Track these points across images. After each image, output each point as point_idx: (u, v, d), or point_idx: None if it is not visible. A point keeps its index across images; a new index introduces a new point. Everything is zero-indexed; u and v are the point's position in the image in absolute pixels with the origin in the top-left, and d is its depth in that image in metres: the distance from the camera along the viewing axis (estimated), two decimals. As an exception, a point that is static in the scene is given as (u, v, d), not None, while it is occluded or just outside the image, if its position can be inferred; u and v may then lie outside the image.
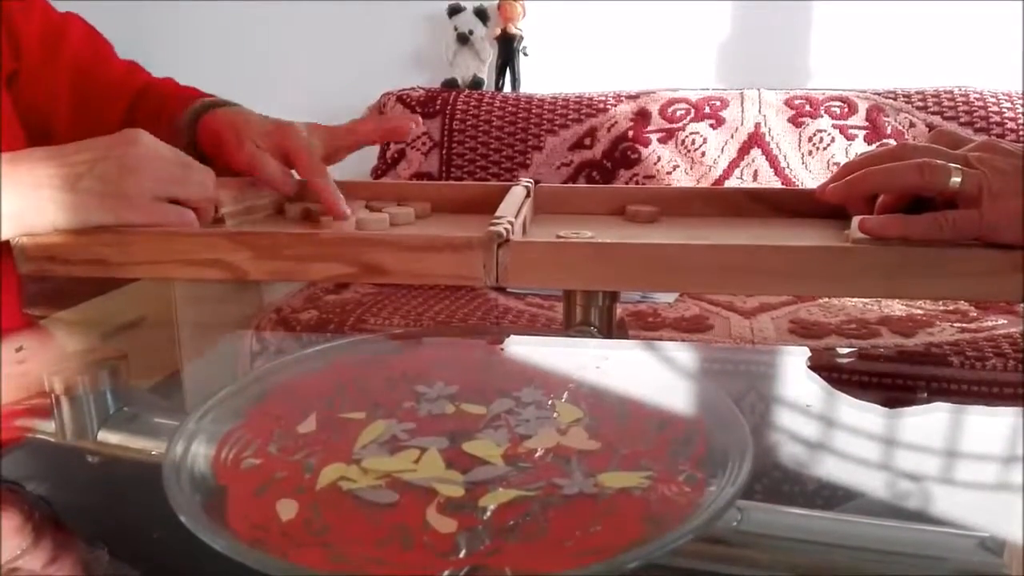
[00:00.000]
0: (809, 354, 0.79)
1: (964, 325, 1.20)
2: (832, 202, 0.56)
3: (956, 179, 0.49)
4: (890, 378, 0.61)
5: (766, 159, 1.57)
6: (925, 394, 0.55)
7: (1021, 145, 0.50)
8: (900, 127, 1.53)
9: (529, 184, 0.66)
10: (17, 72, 0.68)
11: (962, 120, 1.51)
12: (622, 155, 1.61)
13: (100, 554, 0.40)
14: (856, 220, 0.52)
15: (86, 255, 0.55)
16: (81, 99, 0.71)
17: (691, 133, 1.60)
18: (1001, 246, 0.48)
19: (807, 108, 1.59)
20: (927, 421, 0.53)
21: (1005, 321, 1.21)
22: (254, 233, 0.56)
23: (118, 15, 2.04)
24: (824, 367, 0.61)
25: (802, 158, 1.55)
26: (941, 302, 1.29)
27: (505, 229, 0.52)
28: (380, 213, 0.62)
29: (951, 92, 1.55)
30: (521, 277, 0.52)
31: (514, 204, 0.59)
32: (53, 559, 0.39)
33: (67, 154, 0.55)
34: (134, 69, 0.77)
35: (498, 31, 1.84)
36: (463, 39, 1.85)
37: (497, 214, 0.55)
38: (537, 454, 0.41)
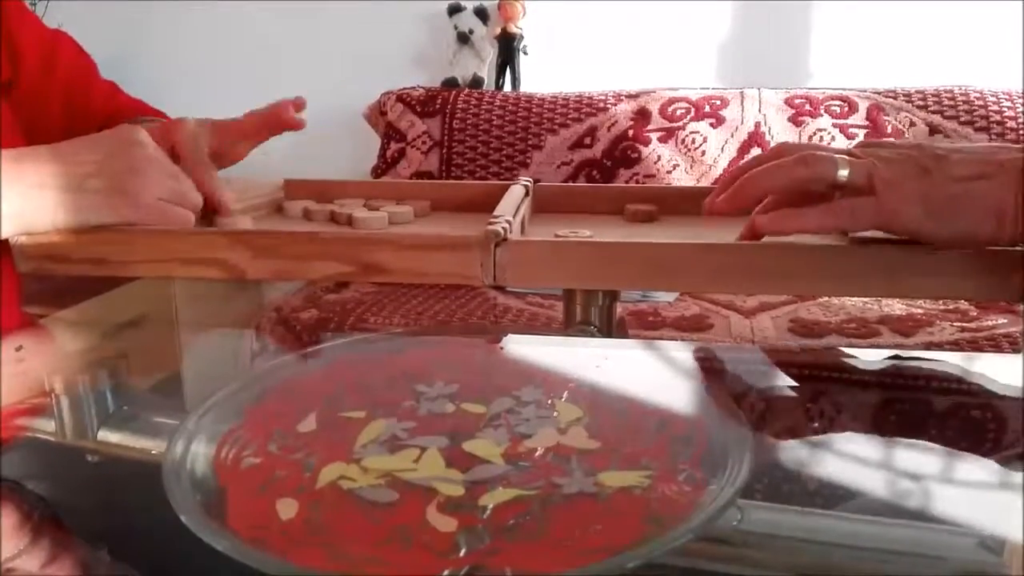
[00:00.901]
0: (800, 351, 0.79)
1: (964, 324, 1.20)
2: (720, 214, 0.52)
3: (843, 171, 0.47)
4: (890, 378, 0.61)
5: (766, 158, 1.57)
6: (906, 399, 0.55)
7: (902, 140, 0.50)
8: (900, 126, 1.53)
9: (528, 183, 0.66)
10: (13, 83, 0.68)
11: (962, 119, 1.51)
12: (622, 154, 1.61)
13: (100, 554, 0.40)
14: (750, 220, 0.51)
15: (85, 254, 0.55)
16: (71, 116, 0.72)
17: (691, 132, 1.60)
18: (907, 235, 0.47)
19: (807, 107, 1.59)
20: (927, 420, 0.53)
21: (1005, 320, 1.21)
22: (253, 232, 0.56)
23: (118, 15, 2.04)
24: (823, 367, 0.61)
25: (802, 157, 1.55)
26: (941, 301, 1.29)
27: (503, 228, 0.52)
28: (379, 212, 0.62)
29: (951, 91, 1.55)
30: (519, 276, 0.52)
31: (513, 203, 0.59)
32: (52, 559, 0.39)
33: (71, 153, 0.55)
34: (113, 91, 0.77)
35: (498, 30, 1.84)
36: (463, 38, 1.85)
37: (495, 213, 0.55)
38: (537, 453, 0.41)
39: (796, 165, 0.49)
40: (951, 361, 0.67)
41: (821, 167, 0.48)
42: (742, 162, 0.57)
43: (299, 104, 0.66)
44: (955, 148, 0.48)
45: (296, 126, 0.66)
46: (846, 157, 0.48)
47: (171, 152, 0.63)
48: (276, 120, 0.66)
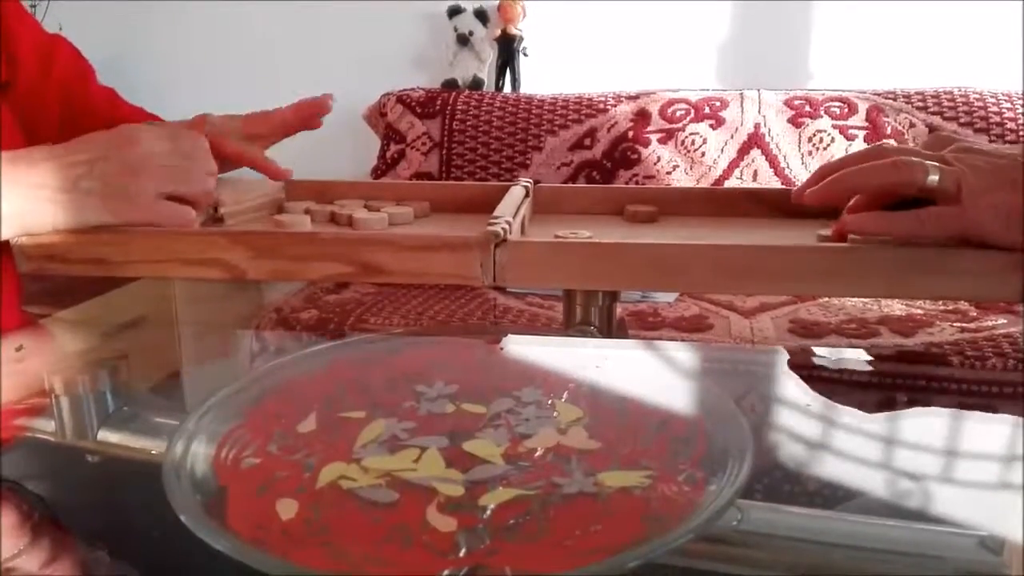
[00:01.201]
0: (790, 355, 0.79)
1: (964, 325, 1.20)
2: (810, 205, 0.54)
3: (933, 176, 0.48)
4: (890, 378, 0.61)
5: (766, 159, 1.57)
6: (905, 399, 0.55)
7: (998, 146, 0.50)
8: (900, 127, 1.53)
9: (528, 184, 0.66)
10: (10, 85, 0.68)
11: (962, 120, 1.51)
12: (622, 155, 1.61)
13: (100, 554, 0.40)
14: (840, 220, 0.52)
15: (85, 254, 0.55)
16: (68, 121, 0.72)
17: (691, 133, 1.60)
18: (987, 246, 0.47)
19: (807, 108, 1.59)
20: (927, 420, 0.53)
21: (1005, 321, 1.21)
22: (253, 233, 0.56)
23: (118, 15, 2.04)
24: (824, 367, 0.61)
25: (802, 158, 1.55)
26: (941, 302, 1.29)
27: (503, 229, 0.52)
28: (379, 213, 0.62)
29: (951, 92, 1.55)
30: (518, 277, 0.52)
31: (512, 204, 0.59)
32: (52, 559, 0.39)
33: (67, 153, 0.55)
34: (111, 97, 0.77)
35: (498, 32, 1.84)
36: (463, 40, 1.85)
37: (495, 214, 0.55)
38: (537, 453, 0.41)
39: (888, 170, 0.50)
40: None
41: (912, 174, 0.49)
42: (839, 157, 0.58)
43: (328, 101, 0.69)
44: None
45: (317, 126, 0.68)
46: (937, 164, 0.48)
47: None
48: (309, 111, 0.69)
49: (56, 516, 0.42)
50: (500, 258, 0.51)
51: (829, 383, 0.57)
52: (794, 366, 0.61)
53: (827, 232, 0.54)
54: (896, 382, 0.60)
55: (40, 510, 0.42)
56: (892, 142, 0.55)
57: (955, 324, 1.20)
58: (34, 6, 1.93)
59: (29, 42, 0.70)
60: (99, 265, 0.55)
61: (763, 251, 0.50)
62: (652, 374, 0.55)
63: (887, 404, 0.56)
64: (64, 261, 0.55)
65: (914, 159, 0.49)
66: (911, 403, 0.56)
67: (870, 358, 0.74)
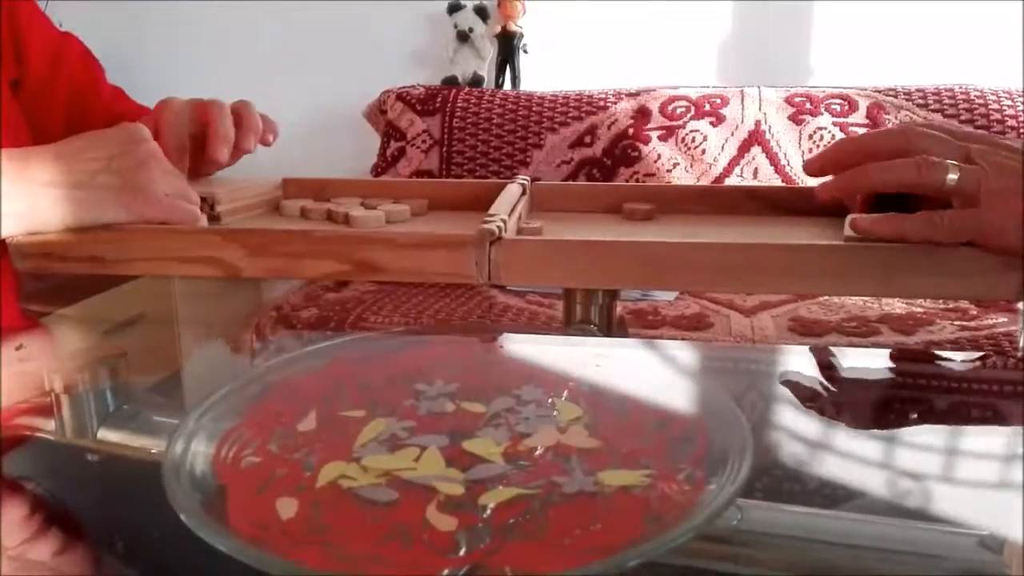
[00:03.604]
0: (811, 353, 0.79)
1: (964, 323, 1.20)
2: (827, 198, 0.55)
3: (953, 176, 0.47)
4: (889, 377, 0.61)
5: (766, 157, 1.57)
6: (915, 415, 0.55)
7: (1021, 142, 0.49)
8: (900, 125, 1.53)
9: (525, 182, 0.66)
10: (20, 82, 0.68)
11: (963, 118, 1.50)
12: (622, 153, 1.61)
13: (100, 553, 0.40)
14: (849, 219, 0.52)
15: (82, 252, 0.55)
16: (75, 119, 0.72)
17: (691, 131, 1.60)
18: (997, 251, 0.47)
19: (807, 106, 1.58)
20: (927, 419, 0.53)
21: (1005, 319, 1.21)
22: (248, 230, 0.56)
23: (118, 15, 2.04)
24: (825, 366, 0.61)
25: (802, 156, 1.55)
26: (941, 300, 1.29)
27: (498, 227, 0.51)
28: (376, 211, 0.61)
29: (951, 89, 1.55)
30: (513, 275, 0.52)
31: (508, 202, 0.59)
32: (61, 550, 0.39)
33: (79, 151, 0.55)
34: (119, 97, 0.77)
35: (498, 29, 1.84)
36: (463, 37, 1.84)
37: (490, 212, 0.55)
38: (537, 452, 0.41)
39: (908, 169, 0.49)
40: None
41: (932, 175, 0.48)
42: (856, 137, 0.57)
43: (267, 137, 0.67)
44: None
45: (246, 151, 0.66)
46: (958, 164, 0.48)
47: (155, 132, 0.62)
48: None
49: (67, 511, 0.42)
50: (495, 256, 0.51)
51: (829, 382, 0.57)
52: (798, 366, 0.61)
53: (852, 233, 0.53)
54: (896, 381, 0.60)
55: (50, 505, 0.42)
56: (915, 125, 0.54)
57: (955, 323, 1.20)
58: (34, 4, 1.93)
59: (40, 40, 0.70)
60: (95, 263, 0.55)
61: (761, 249, 0.50)
62: (652, 373, 0.55)
63: (887, 404, 0.56)
64: (61, 259, 0.55)
65: (936, 160, 0.48)
66: (911, 403, 0.56)
67: (870, 357, 0.74)
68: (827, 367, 0.60)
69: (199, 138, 0.64)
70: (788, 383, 0.56)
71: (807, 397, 0.53)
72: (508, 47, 1.85)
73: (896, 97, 1.56)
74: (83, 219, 0.55)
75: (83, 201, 0.54)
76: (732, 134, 1.59)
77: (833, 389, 0.56)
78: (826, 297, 1.31)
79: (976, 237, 0.47)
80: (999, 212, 0.46)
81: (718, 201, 0.66)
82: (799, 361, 0.69)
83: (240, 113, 0.65)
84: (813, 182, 0.57)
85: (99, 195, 0.54)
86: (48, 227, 0.54)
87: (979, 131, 0.53)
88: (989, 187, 0.47)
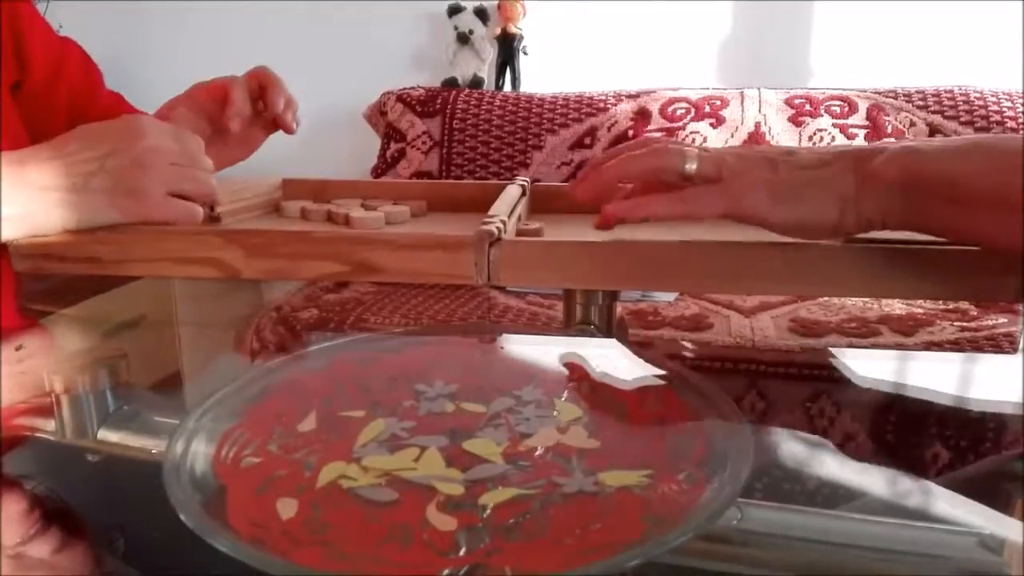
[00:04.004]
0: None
1: (964, 324, 1.20)
2: (583, 201, 0.54)
3: (692, 164, 0.49)
4: (889, 377, 0.60)
5: (766, 158, 1.57)
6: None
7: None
8: (901, 126, 1.53)
9: (524, 183, 0.66)
10: (20, 85, 0.68)
11: (963, 119, 1.50)
12: (622, 154, 1.61)
13: (100, 553, 0.40)
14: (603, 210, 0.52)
15: (81, 253, 0.55)
16: (74, 125, 0.71)
17: (691, 132, 1.60)
18: (755, 223, 0.48)
19: (807, 107, 1.58)
20: (927, 419, 0.53)
21: (1005, 320, 1.21)
22: (247, 231, 0.56)
23: (118, 15, 2.04)
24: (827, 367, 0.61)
25: (802, 157, 1.55)
26: (941, 301, 1.29)
27: (497, 228, 0.51)
28: (375, 212, 0.62)
29: (951, 91, 1.55)
30: (512, 276, 0.52)
31: (508, 203, 0.59)
32: (60, 548, 0.39)
33: (74, 151, 0.55)
34: (118, 102, 0.77)
35: (498, 30, 1.84)
36: (463, 38, 1.85)
37: (490, 213, 0.55)
38: (537, 452, 0.41)
39: (647, 156, 0.50)
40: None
41: (670, 158, 0.49)
42: (606, 151, 0.58)
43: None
44: (807, 148, 0.50)
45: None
46: (695, 153, 0.49)
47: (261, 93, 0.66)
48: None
49: (66, 510, 0.42)
50: (494, 257, 0.51)
51: (831, 382, 0.57)
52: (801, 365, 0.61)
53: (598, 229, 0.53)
54: (895, 381, 0.60)
55: (50, 503, 0.42)
56: (657, 136, 0.56)
57: (955, 324, 1.20)
58: (34, 6, 1.93)
59: (40, 44, 0.70)
60: (95, 264, 0.55)
61: (760, 250, 0.50)
62: (652, 373, 0.55)
63: (887, 404, 0.56)
64: (60, 260, 0.55)
65: (672, 146, 0.50)
66: (911, 403, 0.56)
67: (870, 357, 0.74)
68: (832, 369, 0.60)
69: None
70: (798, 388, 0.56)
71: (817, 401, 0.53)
72: (508, 49, 1.85)
73: (896, 99, 1.56)
74: (79, 222, 0.54)
75: (78, 204, 0.54)
76: (732, 135, 1.59)
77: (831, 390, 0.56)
78: (826, 298, 1.31)
79: (728, 208, 0.48)
80: (741, 183, 0.47)
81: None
82: (799, 362, 0.69)
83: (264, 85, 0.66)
84: None
85: (94, 198, 0.54)
86: (45, 231, 0.54)
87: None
88: (729, 167, 0.48)
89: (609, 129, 1.63)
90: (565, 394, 0.47)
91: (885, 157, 0.45)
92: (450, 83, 1.85)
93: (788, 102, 1.60)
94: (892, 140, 0.48)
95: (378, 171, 1.74)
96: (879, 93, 1.58)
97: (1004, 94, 1.52)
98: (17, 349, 0.60)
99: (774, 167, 0.47)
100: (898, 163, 0.45)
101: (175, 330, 0.76)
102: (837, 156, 0.47)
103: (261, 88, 0.67)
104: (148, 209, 0.55)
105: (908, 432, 0.50)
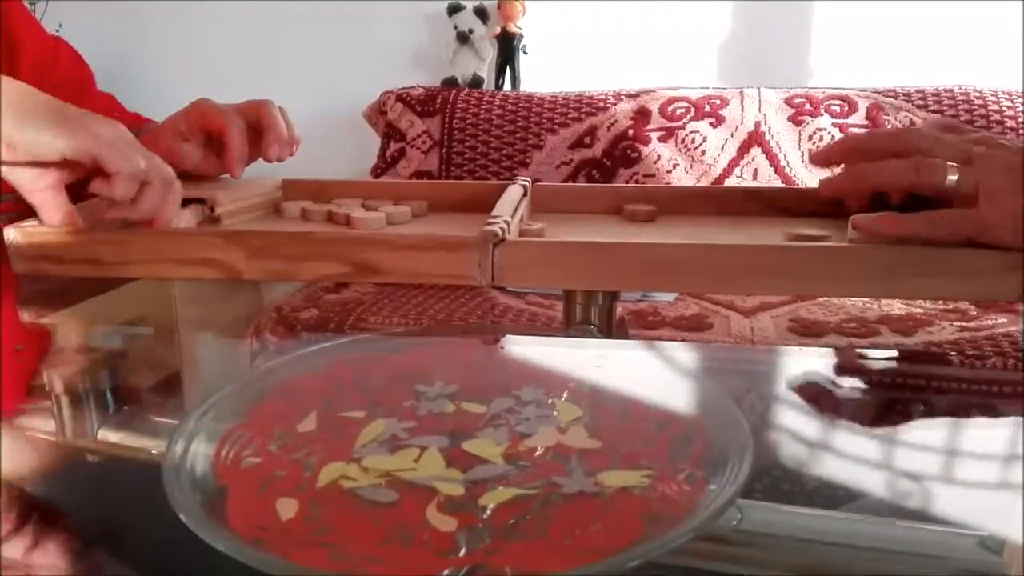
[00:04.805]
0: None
1: (964, 324, 1.20)
2: (829, 196, 0.55)
3: (952, 177, 0.48)
4: (890, 377, 0.61)
5: (766, 158, 1.57)
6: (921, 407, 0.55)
7: (1021, 142, 0.50)
8: (900, 126, 1.53)
9: (526, 183, 0.66)
10: None
11: (963, 118, 1.50)
12: (622, 154, 1.61)
13: (100, 554, 0.40)
14: (851, 219, 0.52)
15: (80, 254, 0.55)
16: None
17: (691, 132, 1.60)
18: (997, 247, 0.47)
19: (807, 107, 1.58)
20: (926, 420, 0.53)
21: (1005, 320, 1.21)
22: (248, 232, 0.56)
23: (118, 15, 2.04)
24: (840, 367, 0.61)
25: (802, 157, 1.55)
26: (941, 301, 1.29)
27: (501, 229, 0.51)
28: (377, 212, 0.61)
29: (951, 90, 1.55)
30: (516, 277, 0.52)
31: (510, 203, 0.59)
32: (61, 551, 0.39)
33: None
34: (109, 103, 0.76)
35: (498, 30, 1.84)
36: (463, 38, 1.85)
37: (493, 213, 0.55)
38: (537, 453, 0.41)
39: (907, 170, 0.50)
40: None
41: (931, 176, 0.49)
42: (864, 133, 0.58)
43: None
44: None
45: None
46: (956, 165, 0.49)
47: (256, 124, 0.63)
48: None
49: (41, 504, 0.42)
50: (498, 258, 0.51)
51: (831, 382, 0.57)
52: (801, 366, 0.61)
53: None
54: (896, 381, 0.60)
55: (46, 506, 0.42)
56: (921, 126, 0.55)
57: (955, 324, 1.20)
58: (33, 5, 1.93)
59: (31, 44, 0.70)
60: (94, 265, 0.55)
61: (761, 250, 0.50)
62: (652, 373, 0.55)
63: (887, 404, 0.56)
64: (59, 261, 0.55)
65: (936, 160, 0.49)
66: (910, 403, 0.56)
67: (870, 357, 0.74)
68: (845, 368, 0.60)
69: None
70: (799, 388, 0.56)
71: (817, 401, 0.53)
72: (508, 48, 1.85)
73: (896, 98, 1.56)
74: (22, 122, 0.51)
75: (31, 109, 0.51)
76: (732, 135, 1.59)
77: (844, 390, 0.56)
78: (825, 298, 1.31)
79: (976, 236, 0.48)
80: (997, 211, 0.47)
81: (719, 202, 0.66)
82: (799, 362, 0.69)
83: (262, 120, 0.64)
84: (812, 182, 0.57)
85: (57, 111, 0.51)
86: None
87: (981, 131, 0.53)
88: (987, 186, 0.47)
89: (609, 128, 1.63)
90: (565, 394, 0.47)
91: None
92: (450, 82, 1.85)
93: (788, 101, 1.60)
94: None
95: (378, 171, 1.74)
96: (879, 92, 1.58)
97: (1004, 94, 1.52)
98: (17, 350, 0.60)
99: None
100: None
101: (175, 331, 0.76)
102: None
103: (258, 125, 0.65)
104: (98, 142, 0.51)
105: (908, 431, 0.50)
